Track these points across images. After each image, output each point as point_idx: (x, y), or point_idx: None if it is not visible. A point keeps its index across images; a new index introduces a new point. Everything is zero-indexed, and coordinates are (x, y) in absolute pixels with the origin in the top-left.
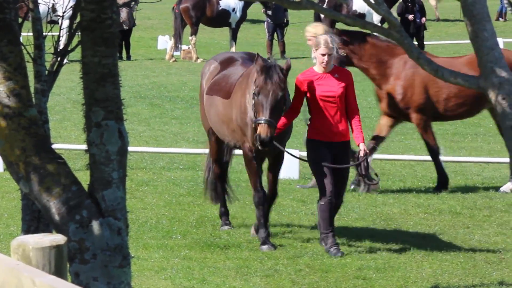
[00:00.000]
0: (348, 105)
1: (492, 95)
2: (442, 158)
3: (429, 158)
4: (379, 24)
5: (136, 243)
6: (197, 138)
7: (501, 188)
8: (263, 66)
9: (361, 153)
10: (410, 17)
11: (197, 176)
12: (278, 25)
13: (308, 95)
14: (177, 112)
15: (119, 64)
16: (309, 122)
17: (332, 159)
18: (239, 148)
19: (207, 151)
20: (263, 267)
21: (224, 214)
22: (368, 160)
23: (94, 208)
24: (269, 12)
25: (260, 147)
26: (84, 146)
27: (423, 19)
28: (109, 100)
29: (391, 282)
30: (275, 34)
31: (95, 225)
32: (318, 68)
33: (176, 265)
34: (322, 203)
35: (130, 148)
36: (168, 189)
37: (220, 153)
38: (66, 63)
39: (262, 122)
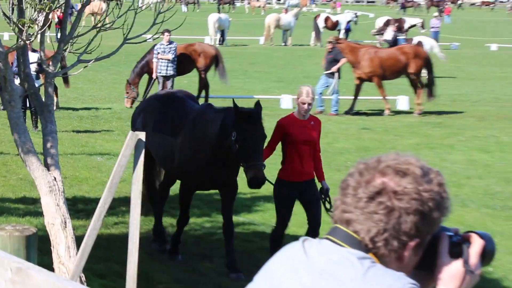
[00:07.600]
0: (315, 148)
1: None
2: None
3: None
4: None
5: None
6: None
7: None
8: (244, 113)
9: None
10: None
11: None
12: None
13: (287, 138)
14: None
15: None
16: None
17: (298, 196)
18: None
19: None
20: None
21: (159, 232)
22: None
23: None
24: None
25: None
26: None
27: None
28: None
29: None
30: None
31: None
32: (298, 115)
33: None
34: (274, 236)
35: None
36: None
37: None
38: None
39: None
